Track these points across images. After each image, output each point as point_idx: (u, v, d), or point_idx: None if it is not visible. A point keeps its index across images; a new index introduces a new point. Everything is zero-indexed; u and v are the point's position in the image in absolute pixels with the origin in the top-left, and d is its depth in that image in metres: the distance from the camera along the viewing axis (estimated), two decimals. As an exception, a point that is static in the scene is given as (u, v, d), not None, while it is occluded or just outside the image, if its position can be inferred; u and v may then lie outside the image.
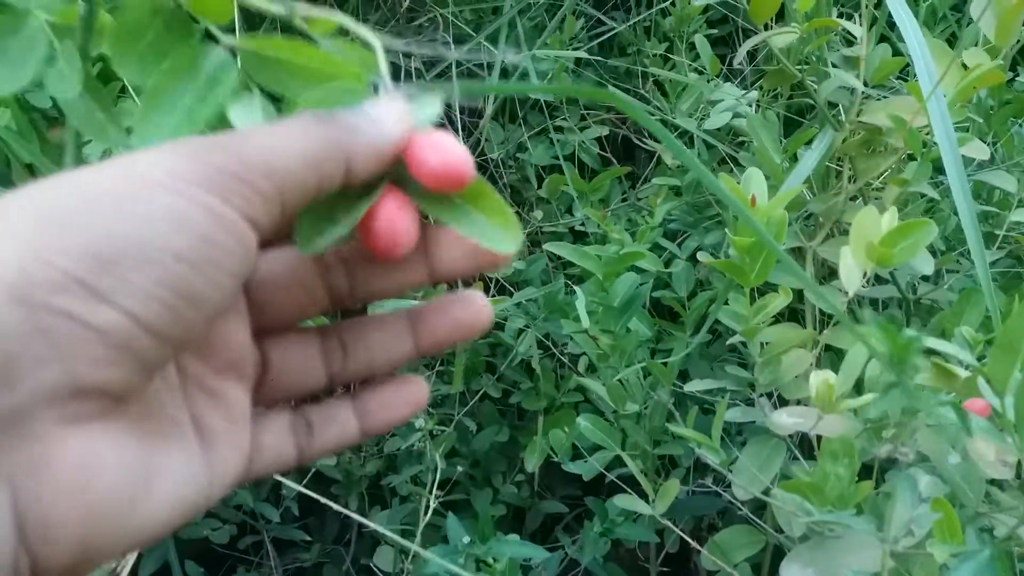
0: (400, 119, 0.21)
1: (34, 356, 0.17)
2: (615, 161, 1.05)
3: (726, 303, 0.56)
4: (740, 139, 0.91)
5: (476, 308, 0.24)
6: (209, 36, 0.22)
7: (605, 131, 1.01)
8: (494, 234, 0.21)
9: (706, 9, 0.96)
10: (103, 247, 0.17)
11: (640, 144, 1.06)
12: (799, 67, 0.64)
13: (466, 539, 0.55)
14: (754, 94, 0.86)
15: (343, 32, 0.23)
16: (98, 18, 0.23)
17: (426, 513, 0.67)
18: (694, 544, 0.64)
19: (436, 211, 0.22)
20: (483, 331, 0.24)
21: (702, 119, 0.89)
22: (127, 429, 0.19)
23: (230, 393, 0.22)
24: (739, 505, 0.60)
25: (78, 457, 0.17)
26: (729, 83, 0.92)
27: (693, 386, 0.56)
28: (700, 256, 0.52)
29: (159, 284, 0.18)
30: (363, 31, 0.21)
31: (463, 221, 0.22)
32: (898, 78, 0.74)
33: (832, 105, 0.67)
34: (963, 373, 0.49)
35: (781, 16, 0.68)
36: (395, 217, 0.22)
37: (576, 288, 0.65)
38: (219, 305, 0.19)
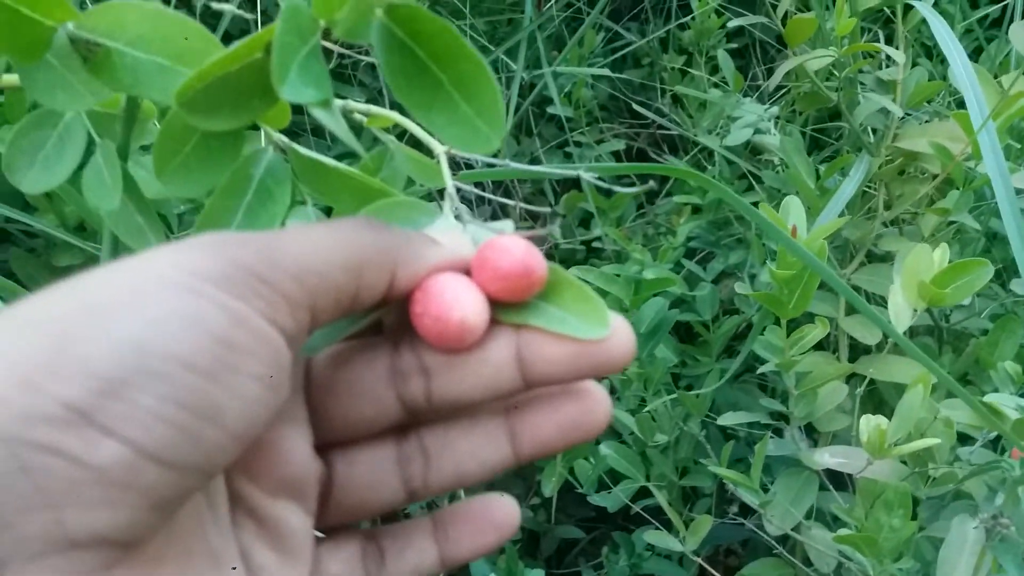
0: (462, 246, 0.19)
1: (15, 503, 0.14)
2: (631, 175, 1.03)
3: (761, 333, 0.54)
4: (759, 156, 0.89)
5: (592, 402, 0.20)
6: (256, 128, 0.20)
7: (622, 145, 1.00)
8: (578, 323, 0.19)
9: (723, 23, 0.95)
10: (102, 363, 0.14)
11: (656, 158, 1.04)
12: (829, 86, 0.63)
13: (491, 575, 0.54)
14: (775, 110, 0.84)
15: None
16: (140, 108, 0.21)
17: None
18: (717, 575, 0.62)
19: (510, 317, 0.19)
20: (601, 431, 0.20)
21: (723, 135, 0.87)
22: None
23: (287, 519, 0.19)
24: (764, 535, 0.59)
25: None
26: (748, 98, 0.91)
27: (727, 420, 0.54)
28: (737, 287, 0.50)
29: (166, 401, 0.15)
30: (426, 136, 0.19)
31: (540, 318, 0.19)
32: (928, 100, 0.72)
33: (861, 126, 0.65)
34: (1012, 413, 0.48)
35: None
36: (454, 295, 0.18)
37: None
38: (248, 419, 0.16)
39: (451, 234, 0.20)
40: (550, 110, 0.94)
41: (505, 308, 0.19)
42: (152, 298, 0.15)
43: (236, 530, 0.18)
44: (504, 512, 0.21)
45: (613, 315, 0.19)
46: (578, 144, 0.97)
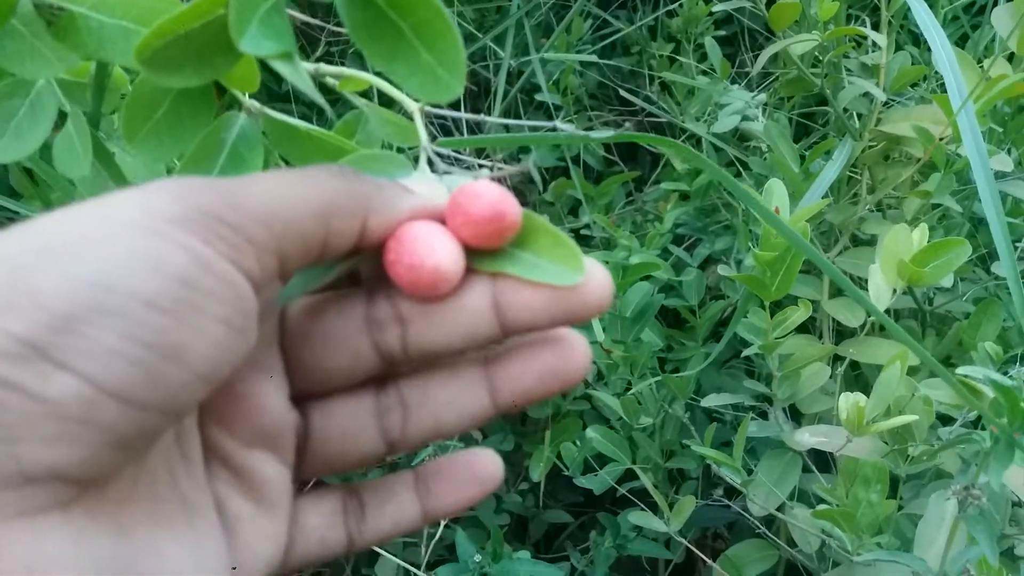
0: (437, 194, 0.19)
1: None
2: (620, 163, 1.03)
3: (745, 316, 0.55)
4: (747, 143, 0.90)
5: (570, 349, 0.19)
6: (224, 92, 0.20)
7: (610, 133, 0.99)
8: (553, 269, 0.18)
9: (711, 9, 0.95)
10: (55, 299, 0.14)
11: (645, 146, 1.04)
12: (814, 72, 0.63)
13: (477, 557, 0.54)
14: (762, 96, 0.85)
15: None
16: (110, 77, 0.21)
17: (434, 526, 0.65)
18: (704, 558, 0.63)
19: (484, 265, 0.19)
20: (580, 379, 0.19)
21: (710, 122, 0.88)
22: (101, 518, 0.15)
23: (262, 469, 0.19)
24: (749, 517, 0.59)
25: (22, 559, 0.14)
26: (736, 85, 0.91)
27: (711, 401, 0.54)
28: (720, 269, 0.51)
29: (125, 338, 0.14)
30: (400, 95, 0.19)
31: (515, 266, 0.19)
32: (912, 84, 0.73)
33: (845, 111, 0.66)
34: (989, 391, 0.48)
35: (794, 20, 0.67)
36: (427, 242, 0.18)
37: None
38: (213, 360, 0.16)
39: (426, 183, 0.19)
40: (538, 97, 0.94)
41: (480, 256, 0.19)
42: (112, 238, 0.15)
43: (211, 480, 0.18)
44: (487, 466, 0.20)
45: (589, 261, 0.19)
46: (566, 131, 0.96)
